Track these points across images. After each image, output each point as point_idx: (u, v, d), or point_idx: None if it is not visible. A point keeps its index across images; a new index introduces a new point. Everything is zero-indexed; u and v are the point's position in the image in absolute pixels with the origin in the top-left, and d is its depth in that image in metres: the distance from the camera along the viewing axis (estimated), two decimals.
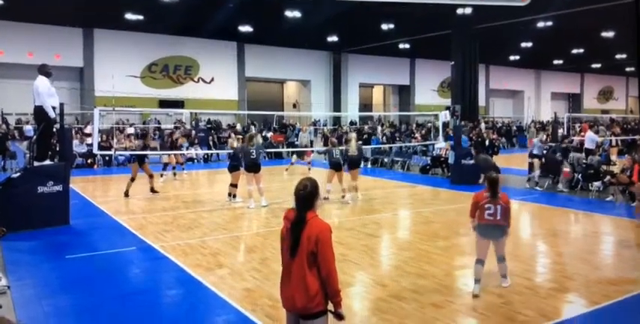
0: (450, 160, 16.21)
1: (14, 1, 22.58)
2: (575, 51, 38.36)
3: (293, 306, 3.40)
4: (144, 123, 30.14)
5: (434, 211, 11.40)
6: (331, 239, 3.39)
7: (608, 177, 13.13)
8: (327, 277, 3.33)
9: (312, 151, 20.03)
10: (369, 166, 20.55)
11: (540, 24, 27.75)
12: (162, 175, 16.20)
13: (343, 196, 12.44)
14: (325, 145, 21.98)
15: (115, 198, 13.03)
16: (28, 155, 12.12)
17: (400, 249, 8.15)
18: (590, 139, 16.88)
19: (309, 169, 18.15)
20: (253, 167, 11.50)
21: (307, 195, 3.42)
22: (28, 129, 24.92)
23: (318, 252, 3.30)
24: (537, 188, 14.31)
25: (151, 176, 13.44)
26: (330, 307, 3.43)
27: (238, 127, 29.60)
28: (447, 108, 26.13)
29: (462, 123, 19.57)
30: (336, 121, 37.28)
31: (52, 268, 7.21)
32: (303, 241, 3.32)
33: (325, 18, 23.94)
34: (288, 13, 24.72)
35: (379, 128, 28.11)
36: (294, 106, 38.85)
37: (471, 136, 20.99)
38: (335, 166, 12.50)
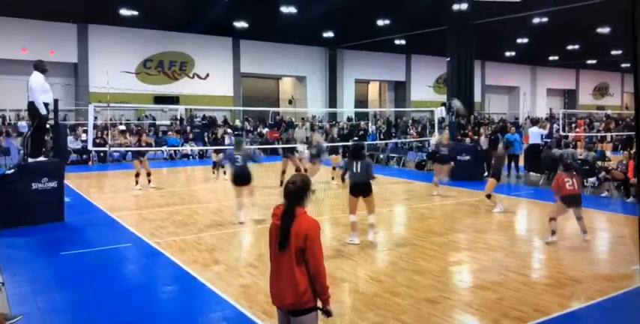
0: None
1: None
2: (570, 47, 38.38)
3: (282, 302, 3.41)
4: (138, 119, 30.03)
5: (429, 207, 11.42)
6: (320, 236, 3.38)
7: (603, 173, 13.17)
8: (315, 274, 3.33)
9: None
10: None
11: (536, 20, 27.72)
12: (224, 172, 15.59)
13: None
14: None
15: (110, 194, 12.99)
16: (22, 151, 12.08)
17: (396, 245, 8.16)
18: (535, 133, 17.05)
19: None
20: (241, 178, 9.49)
21: (296, 190, 3.41)
22: (22, 125, 24.78)
23: (306, 248, 3.30)
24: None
25: (148, 174, 13.78)
26: (319, 303, 3.43)
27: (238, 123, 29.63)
28: (443, 104, 26.10)
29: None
30: (332, 117, 37.23)
31: (46, 264, 7.19)
32: (291, 238, 3.31)
33: (321, 14, 23.83)
34: (284, 9, 24.61)
35: (372, 127, 27.96)
36: (290, 102, 38.75)
37: (466, 132, 21.00)
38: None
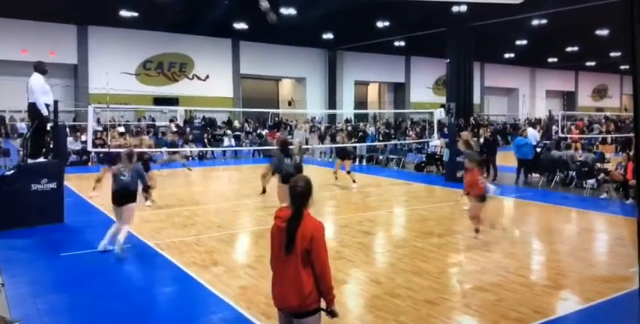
0: (445, 158, 16.25)
1: None
2: (569, 49, 38.45)
3: (286, 304, 3.40)
4: (138, 120, 30.04)
5: (428, 209, 11.43)
6: (324, 237, 3.39)
7: (602, 174, 13.17)
8: (321, 275, 3.33)
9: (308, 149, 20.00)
10: (364, 163, 20.57)
11: (535, 22, 27.77)
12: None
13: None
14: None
15: (110, 195, 12.96)
16: (21, 152, 12.07)
17: (395, 246, 8.16)
18: (531, 136, 17.24)
19: None
20: (122, 193, 7.70)
21: (303, 191, 3.43)
22: (22, 126, 24.78)
23: (312, 250, 3.29)
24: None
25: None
26: (323, 304, 3.43)
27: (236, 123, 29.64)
28: (442, 106, 26.10)
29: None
30: (332, 118, 37.27)
31: (46, 265, 7.19)
32: (297, 240, 3.31)
33: (320, 15, 23.87)
34: (284, 10, 24.65)
35: (372, 129, 27.96)
36: (290, 103, 38.79)
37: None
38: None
